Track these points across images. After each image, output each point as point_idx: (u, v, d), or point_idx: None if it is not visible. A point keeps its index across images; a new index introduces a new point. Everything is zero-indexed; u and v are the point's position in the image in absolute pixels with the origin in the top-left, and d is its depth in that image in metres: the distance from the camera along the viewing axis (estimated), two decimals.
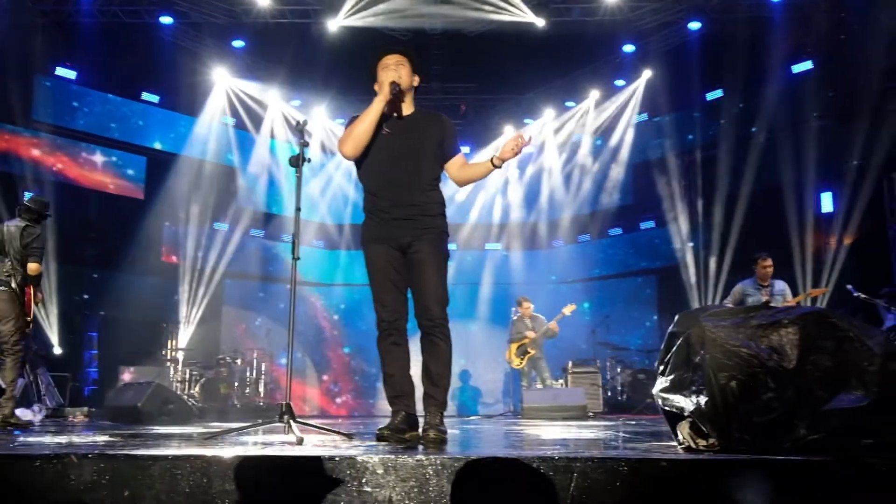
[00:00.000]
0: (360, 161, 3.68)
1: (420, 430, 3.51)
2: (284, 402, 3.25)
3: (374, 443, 3.33)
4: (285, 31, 12.23)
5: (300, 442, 3.15)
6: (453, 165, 3.69)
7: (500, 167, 3.58)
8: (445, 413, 3.55)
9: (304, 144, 3.47)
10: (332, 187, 14.42)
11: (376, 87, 3.66)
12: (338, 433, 3.86)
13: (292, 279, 3.31)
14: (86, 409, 7.96)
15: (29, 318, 6.13)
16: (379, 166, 3.62)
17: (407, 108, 3.71)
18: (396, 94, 3.53)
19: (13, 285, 6.00)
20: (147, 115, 12.86)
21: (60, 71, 11.79)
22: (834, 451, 2.47)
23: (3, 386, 5.96)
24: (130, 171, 12.59)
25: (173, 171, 12.55)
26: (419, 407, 3.61)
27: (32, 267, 6.07)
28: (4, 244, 6.06)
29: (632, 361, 11.65)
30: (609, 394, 11.07)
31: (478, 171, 3.69)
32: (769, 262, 7.63)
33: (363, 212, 3.69)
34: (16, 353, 5.94)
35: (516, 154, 3.48)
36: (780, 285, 7.80)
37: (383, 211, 3.57)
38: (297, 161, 3.45)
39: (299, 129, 3.53)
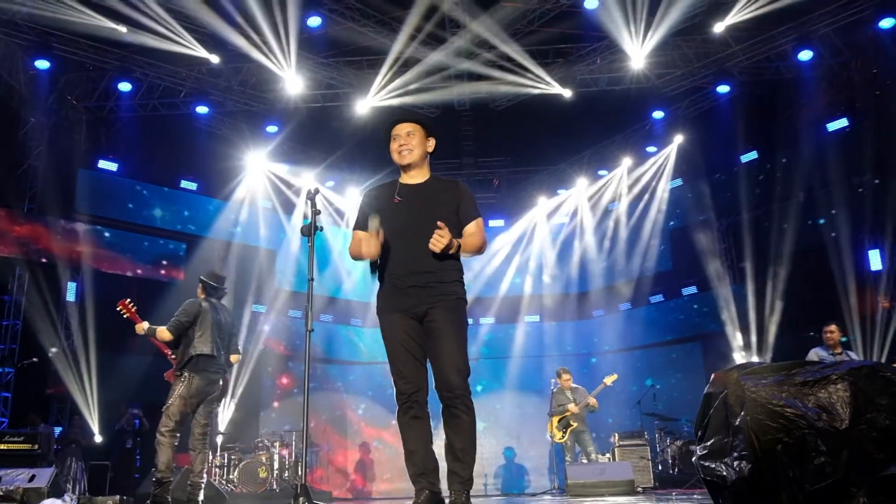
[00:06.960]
0: None
1: None
2: (299, 484, 3.07)
3: None
4: (318, 114, 12.54)
5: None
6: (464, 233, 3.51)
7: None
8: (474, 490, 3.32)
9: (316, 213, 3.40)
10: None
11: (393, 157, 3.62)
12: None
13: (307, 351, 3.19)
14: (117, 497, 7.80)
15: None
16: (393, 234, 3.50)
17: (422, 176, 3.64)
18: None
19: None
20: (186, 201, 13.14)
21: (102, 164, 12.16)
22: None
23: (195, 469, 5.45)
24: (170, 258, 12.77)
25: (212, 256, 12.67)
26: (444, 485, 3.39)
27: (237, 359, 5.75)
28: (223, 330, 5.58)
29: (682, 432, 11.09)
30: (660, 468, 10.53)
31: (468, 245, 3.48)
32: (832, 327, 7.72)
33: (378, 281, 3.57)
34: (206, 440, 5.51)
35: (441, 246, 3.26)
36: (854, 358, 7.57)
37: (398, 279, 3.45)
38: (309, 230, 3.37)
39: (310, 198, 3.46)
